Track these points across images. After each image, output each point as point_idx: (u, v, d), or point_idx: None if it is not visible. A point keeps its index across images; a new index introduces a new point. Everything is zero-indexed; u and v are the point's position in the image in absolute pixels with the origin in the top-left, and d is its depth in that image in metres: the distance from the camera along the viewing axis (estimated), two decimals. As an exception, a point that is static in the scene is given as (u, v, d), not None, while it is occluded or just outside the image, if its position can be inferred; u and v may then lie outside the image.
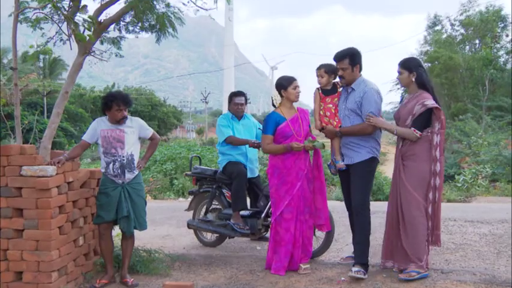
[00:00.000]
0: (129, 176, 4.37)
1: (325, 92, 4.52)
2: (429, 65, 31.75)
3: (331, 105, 4.47)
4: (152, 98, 50.64)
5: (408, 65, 4.28)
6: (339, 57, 4.37)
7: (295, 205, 4.50)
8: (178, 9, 4.84)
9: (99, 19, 4.54)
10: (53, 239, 3.95)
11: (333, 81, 4.53)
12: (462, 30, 32.68)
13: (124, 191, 4.35)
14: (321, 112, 4.50)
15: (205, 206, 5.63)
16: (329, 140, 4.63)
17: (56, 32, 4.69)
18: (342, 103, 4.45)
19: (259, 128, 5.48)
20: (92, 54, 4.58)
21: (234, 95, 5.51)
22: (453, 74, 30.75)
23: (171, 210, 8.60)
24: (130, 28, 4.80)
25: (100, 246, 4.49)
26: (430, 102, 4.12)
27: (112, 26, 4.73)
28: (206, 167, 5.99)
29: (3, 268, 3.97)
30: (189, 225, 5.67)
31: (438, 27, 33.69)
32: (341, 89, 4.54)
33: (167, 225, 7.19)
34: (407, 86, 4.34)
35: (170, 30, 4.84)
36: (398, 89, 34.71)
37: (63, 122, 24.97)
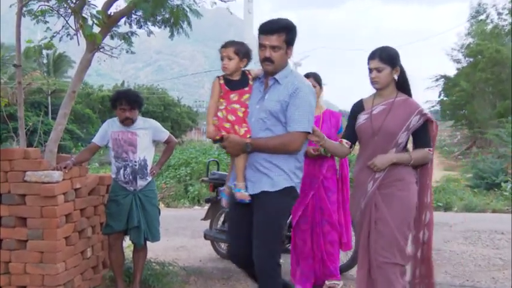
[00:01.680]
0: (141, 182, 4.41)
1: (231, 84, 3.27)
2: (471, 59, 31.29)
3: (237, 106, 3.22)
4: (165, 97, 51.03)
5: (390, 58, 3.29)
6: (272, 29, 3.11)
7: (310, 215, 4.50)
8: (194, 1, 4.87)
9: (109, 12, 4.60)
10: (59, 250, 3.99)
11: (243, 69, 3.33)
12: (511, 20, 32.10)
13: (136, 199, 4.38)
14: (221, 114, 3.22)
15: (223, 215, 5.64)
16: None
17: (63, 26, 4.76)
18: (256, 102, 3.25)
19: None
20: (101, 50, 4.64)
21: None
22: (500, 68, 30.21)
23: (186, 220, 8.66)
24: (142, 22, 4.84)
25: (110, 259, 4.53)
26: (427, 112, 3.36)
27: (122, 20, 4.78)
28: (224, 173, 6.00)
29: (5, 282, 4.01)
30: (205, 236, 5.69)
31: (482, 17, 33.21)
32: (259, 81, 3.33)
33: (182, 235, 7.23)
34: (386, 86, 3.35)
35: (185, 25, 4.86)
36: (437, 86, 34.33)
37: (69, 124, 25.36)
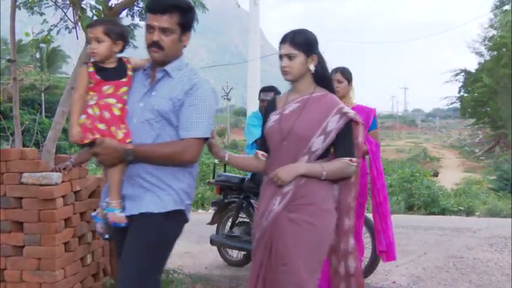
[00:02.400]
0: (144, 184, 4.41)
1: (103, 72, 2.71)
2: (495, 53, 31.16)
3: (113, 100, 2.66)
4: (166, 94, 51.20)
5: (305, 43, 2.83)
6: (163, 7, 2.60)
7: None
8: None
9: (110, 3, 4.62)
10: (58, 256, 3.99)
11: (119, 55, 2.82)
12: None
13: None
14: (92, 111, 2.63)
15: (230, 219, 5.66)
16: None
17: (61, 19, 4.79)
18: (139, 99, 2.70)
19: None
20: (102, 44, 4.65)
21: (261, 91, 5.53)
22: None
23: (190, 224, 8.46)
24: (145, 14, 4.86)
25: (111, 265, 4.55)
26: (349, 110, 2.85)
27: (124, 12, 4.80)
28: (232, 174, 6.01)
29: (0, 290, 4.03)
30: (212, 241, 5.70)
31: (507, 7, 32.98)
32: (143, 72, 2.78)
33: (186, 241, 7.22)
34: (299, 78, 2.88)
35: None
36: (456, 80, 34.28)
37: (65, 123, 25.40)
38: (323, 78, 2.91)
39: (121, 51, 2.79)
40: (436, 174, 21.76)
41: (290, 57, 2.81)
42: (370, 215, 4.75)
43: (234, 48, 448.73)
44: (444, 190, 13.16)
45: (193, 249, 6.72)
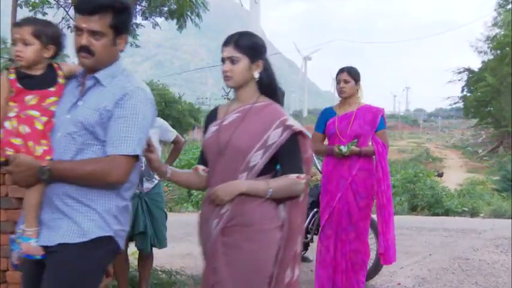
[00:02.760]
0: (147, 185, 4.43)
1: (28, 80, 2.36)
2: (498, 52, 31.15)
3: (36, 113, 2.34)
4: (166, 93, 51.20)
5: (250, 46, 2.54)
6: (92, 7, 2.26)
7: (335, 220, 4.44)
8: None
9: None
10: (60, 257, 4.01)
11: (48, 60, 2.45)
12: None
13: (141, 203, 4.39)
14: (9, 124, 2.30)
15: None
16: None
17: (63, 18, 4.80)
18: (67, 110, 2.35)
19: None
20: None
21: None
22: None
23: (191, 225, 8.53)
24: (148, 13, 4.88)
25: (113, 267, 4.54)
26: (294, 122, 2.53)
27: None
28: None
29: (2, 292, 4.01)
30: None
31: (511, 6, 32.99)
32: (76, 80, 2.45)
33: (187, 242, 7.25)
34: (242, 85, 2.57)
35: (193, 16, 4.90)
36: (459, 80, 34.30)
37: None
38: (268, 87, 2.60)
39: (52, 57, 2.44)
40: (440, 175, 21.75)
41: (233, 60, 2.51)
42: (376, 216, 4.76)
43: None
44: (448, 191, 13.17)
45: (195, 250, 6.63)
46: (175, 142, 4.71)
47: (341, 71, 4.47)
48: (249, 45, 2.53)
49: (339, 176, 4.42)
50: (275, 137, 2.46)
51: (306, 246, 5.23)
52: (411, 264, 5.70)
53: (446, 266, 5.66)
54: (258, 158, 2.46)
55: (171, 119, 48.00)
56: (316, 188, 5.02)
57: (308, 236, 5.07)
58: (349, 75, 4.44)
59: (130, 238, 4.48)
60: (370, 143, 4.41)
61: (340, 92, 4.48)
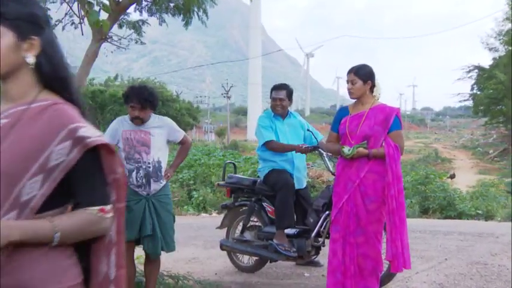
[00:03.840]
0: (155, 186, 4.45)
1: None
2: (510, 48, 31.15)
3: None
4: (163, 92, 51.26)
5: (17, 17, 1.64)
6: None
7: (343, 223, 4.42)
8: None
9: (118, -2, 4.65)
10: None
11: None
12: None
13: (149, 205, 4.42)
14: None
15: (241, 223, 5.71)
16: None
17: (66, 14, 4.82)
18: None
19: (308, 130, 5.52)
20: (109, 40, 4.69)
21: (273, 89, 5.56)
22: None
23: (195, 229, 8.72)
24: (154, 10, 4.89)
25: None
26: (92, 132, 1.69)
27: (132, 7, 4.84)
28: (243, 176, 6.04)
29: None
30: (222, 246, 5.74)
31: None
32: None
33: (192, 246, 7.29)
34: (9, 73, 1.68)
35: (200, 13, 4.91)
36: (469, 77, 34.34)
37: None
38: (54, 76, 1.74)
39: None
40: (453, 176, 21.73)
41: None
42: None
43: (233, 43, 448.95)
44: (459, 193, 13.17)
45: (201, 254, 6.75)
46: (182, 142, 4.74)
47: (349, 71, 4.49)
48: (18, 13, 1.68)
49: (347, 178, 4.42)
50: (61, 155, 1.65)
51: (317, 251, 5.25)
52: (427, 270, 5.70)
53: (464, 271, 5.64)
54: (35, 189, 1.63)
55: (168, 118, 48.03)
56: (328, 190, 5.04)
57: (319, 239, 5.09)
58: (356, 75, 4.43)
59: (136, 242, 4.51)
60: (383, 145, 4.38)
61: (348, 93, 4.52)
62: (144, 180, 4.41)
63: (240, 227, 5.74)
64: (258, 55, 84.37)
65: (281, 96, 5.46)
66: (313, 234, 5.08)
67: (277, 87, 5.54)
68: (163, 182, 4.51)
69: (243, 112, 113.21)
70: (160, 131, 4.52)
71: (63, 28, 4.88)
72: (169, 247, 4.53)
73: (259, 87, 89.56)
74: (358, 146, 4.31)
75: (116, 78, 53.17)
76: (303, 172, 5.56)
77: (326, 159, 5.22)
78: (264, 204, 5.49)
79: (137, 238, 4.44)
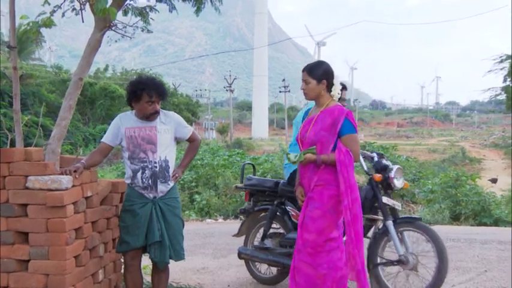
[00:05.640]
0: (162, 188, 4.49)
1: None
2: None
3: None
4: (159, 85, 51.37)
5: None
6: None
7: (298, 232, 4.48)
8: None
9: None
10: (68, 272, 4.05)
11: None
12: None
13: (156, 209, 4.46)
14: None
15: (261, 230, 5.72)
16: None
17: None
18: None
19: None
20: (113, 28, 4.72)
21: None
22: None
23: (201, 236, 8.76)
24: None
25: (126, 282, 4.60)
26: None
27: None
28: (264, 178, 6.04)
29: (2, 312, 3.98)
30: (240, 254, 5.77)
31: None
32: None
33: (201, 255, 7.34)
34: None
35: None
36: (502, 68, 34.26)
37: (38, 117, 25.35)
38: None
39: None
40: (494, 181, 21.58)
41: None
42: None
43: (236, 31, 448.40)
44: (494, 197, 13.05)
45: (210, 264, 6.79)
46: (191, 140, 4.77)
47: (302, 70, 4.48)
48: None
49: (304, 187, 4.48)
50: None
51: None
52: (464, 282, 5.69)
53: (506, 285, 5.61)
54: None
55: (165, 114, 48.03)
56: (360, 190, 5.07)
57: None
58: (309, 74, 4.43)
59: (144, 249, 4.54)
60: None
61: (303, 94, 4.55)
62: (150, 182, 4.44)
63: (259, 234, 5.73)
64: (264, 44, 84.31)
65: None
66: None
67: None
68: (171, 184, 4.55)
69: (247, 107, 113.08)
70: (167, 127, 4.54)
71: (63, 15, 4.92)
72: (179, 255, 4.55)
73: (265, 79, 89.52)
74: (305, 151, 4.34)
75: (106, 69, 53.15)
76: None
77: (362, 160, 5.21)
78: (288, 207, 5.50)
79: (144, 245, 4.48)
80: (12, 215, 4.07)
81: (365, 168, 5.22)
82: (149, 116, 4.47)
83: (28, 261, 4.07)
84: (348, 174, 4.28)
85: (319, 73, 4.42)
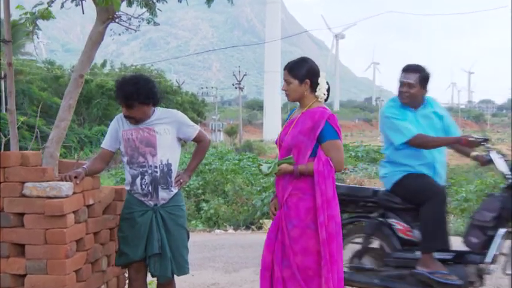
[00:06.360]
0: (164, 195, 4.49)
1: None
2: None
3: None
4: (161, 81, 51.45)
5: None
6: None
7: (269, 249, 4.36)
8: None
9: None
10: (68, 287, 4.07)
11: None
12: None
13: (156, 217, 4.46)
14: None
15: (347, 246, 5.36)
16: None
17: (65, -11, 4.91)
18: None
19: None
20: (117, 21, 4.76)
21: (403, 70, 5.31)
22: None
23: (211, 248, 8.78)
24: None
25: (130, 300, 4.64)
26: None
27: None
28: (356, 185, 5.79)
29: (-5, 331, 4.00)
30: None
31: None
32: None
33: (211, 268, 7.36)
34: None
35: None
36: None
37: (31, 118, 25.55)
38: None
39: None
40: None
41: None
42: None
43: (245, 22, 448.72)
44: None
45: (221, 279, 6.81)
46: (197, 140, 4.75)
47: (284, 68, 4.42)
48: None
49: (279, 196, 4.38)
50: None
51: (481, 280, 5.06)
52: None
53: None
54: None
55: (168, 114, 48.07)
56: (495, 199, 5.02)
57: (484, 265, 4.96)
58: (290, 74, 4.36)
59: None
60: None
61: (285, 95, 4.50)
62: (150, 188, 4.45)
63: (352, 251, 5.39)
64: (277, 37, 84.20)
65: (409, 81, 5.21)
66: (488, 258, 4.87)
67: (409, 69, 5.28)
68: (175, 190, 4.54)
69: (258, 106, 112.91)
70: (168, 127, 4.53)
71: (62, 6, 4.97)
72: (181, 269, 4.54)
73: (278, 75, 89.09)
74: (281, 161, 4.24)
75: (103, 65, 53.34)
76: (444, 176, 5.35)
77: (496, 157, 5.04)
78: (392, 220, 5.23)
79: (144, 258, 4.47)
80: (7, 225, 4.09)
81: (505, 170, 5.01)
82: (128, 120, 4.49)
83: (24, 275, 4.08)
84: (325, 187, 4.15)
85: (301, 72, 4.33)
